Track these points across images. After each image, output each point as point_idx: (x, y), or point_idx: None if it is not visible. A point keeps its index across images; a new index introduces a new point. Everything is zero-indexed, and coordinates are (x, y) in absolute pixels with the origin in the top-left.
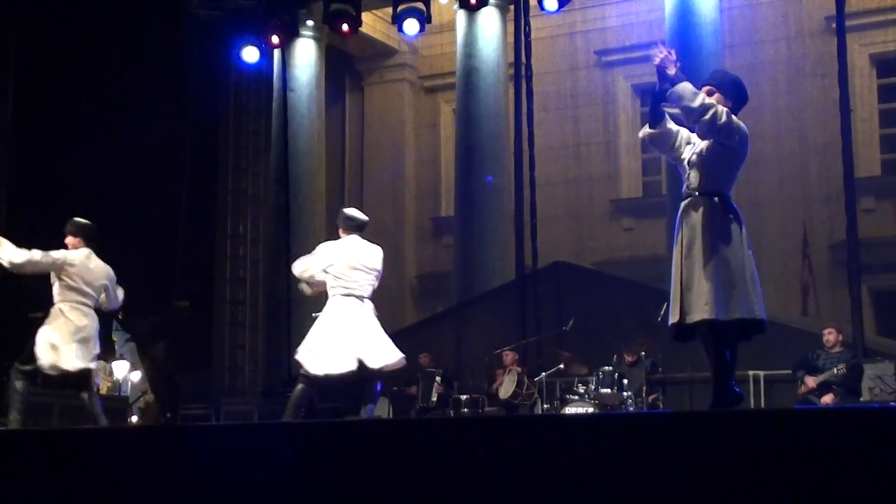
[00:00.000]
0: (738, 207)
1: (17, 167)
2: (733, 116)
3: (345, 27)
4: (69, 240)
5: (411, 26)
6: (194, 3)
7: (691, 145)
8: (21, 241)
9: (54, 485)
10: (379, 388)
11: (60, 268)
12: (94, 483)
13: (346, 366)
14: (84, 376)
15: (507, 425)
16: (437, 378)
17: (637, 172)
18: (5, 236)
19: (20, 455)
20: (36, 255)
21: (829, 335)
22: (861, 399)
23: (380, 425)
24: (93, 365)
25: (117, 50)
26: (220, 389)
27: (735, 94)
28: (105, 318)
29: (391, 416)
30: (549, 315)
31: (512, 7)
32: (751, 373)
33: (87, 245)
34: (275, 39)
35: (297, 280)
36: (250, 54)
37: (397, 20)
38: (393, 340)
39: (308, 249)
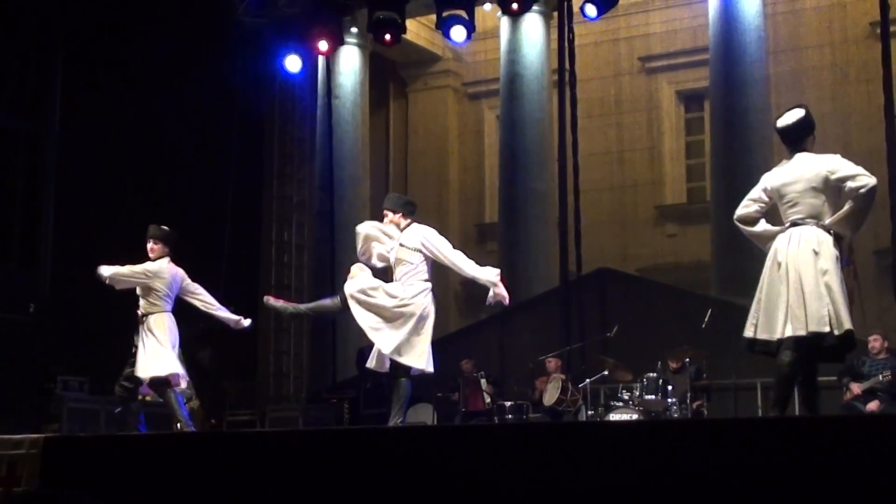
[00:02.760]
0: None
1: (65, 173)
2: None
3: (387, 37)
4: (152, 246)
5: (458, 33)
6: (241, 11)
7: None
8: (69, 247)
9: (100, 490)
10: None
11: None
12: (141, 488)
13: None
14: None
15: (552, 432)
16: (483, 380)
17: (681, 178)
18: (54, 242)
19: (69, 461)
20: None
21: (875, 342)
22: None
23: (425, 432)
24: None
25: (164, 58)
26: (265, 396)
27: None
28: None
29: (435, 422)
30: (594, 321)
31: (555, 14)
32: None
33: (168, 252)
34: (322, 46)
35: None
36: (293, 63)
37: (443, 27)
38: (437, 347)
39: (352, 257)
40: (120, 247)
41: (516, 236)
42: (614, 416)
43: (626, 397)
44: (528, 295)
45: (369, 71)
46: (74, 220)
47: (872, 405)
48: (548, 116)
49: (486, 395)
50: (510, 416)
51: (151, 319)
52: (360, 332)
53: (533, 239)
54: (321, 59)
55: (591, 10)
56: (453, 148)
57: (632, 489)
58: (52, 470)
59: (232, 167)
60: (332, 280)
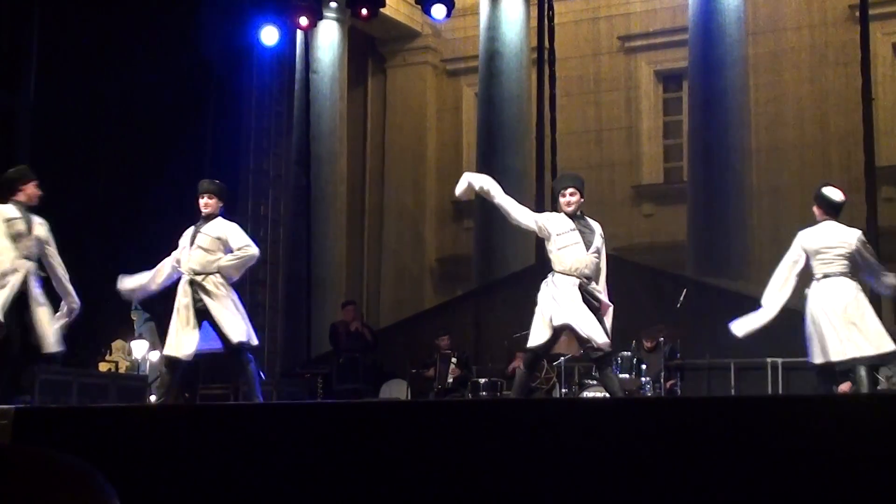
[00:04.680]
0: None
1: (39, 144)
2: None
3: (364, 11)
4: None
5: (439, 11)
6: None
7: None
8: (44, 219)
9: None
10: None
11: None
12: (112, 461)
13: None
14: None
15: (525, 408)
16: (453, 360)
17: (658, 158)
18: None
19: (41, 432)
20: None
21: None
22: (878, 387)
23: (397, 406)
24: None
25: (140, 28)
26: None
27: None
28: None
29: (409, 397)
30: None
31: None
32: (769, 360)
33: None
34: (303, 21)
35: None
36: (269, 36)
37: (423, 3)
38: (413, 323)
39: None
40: (93, 219)
41: (493, 214)
42: (588, 395)
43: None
44: (505, 272)
45: (348, 46)
46: (48, 192)
47: (844, 386)
48: (526, 94)
49: (451, 375)
50: (484, 392)
51: None
52: (335, 309)
53: None
54: (299, 33)
55: None
56: (431, 124)
57: (603, 466)
58: (22, 441)
59: (208, 141)
60: (308, 255)
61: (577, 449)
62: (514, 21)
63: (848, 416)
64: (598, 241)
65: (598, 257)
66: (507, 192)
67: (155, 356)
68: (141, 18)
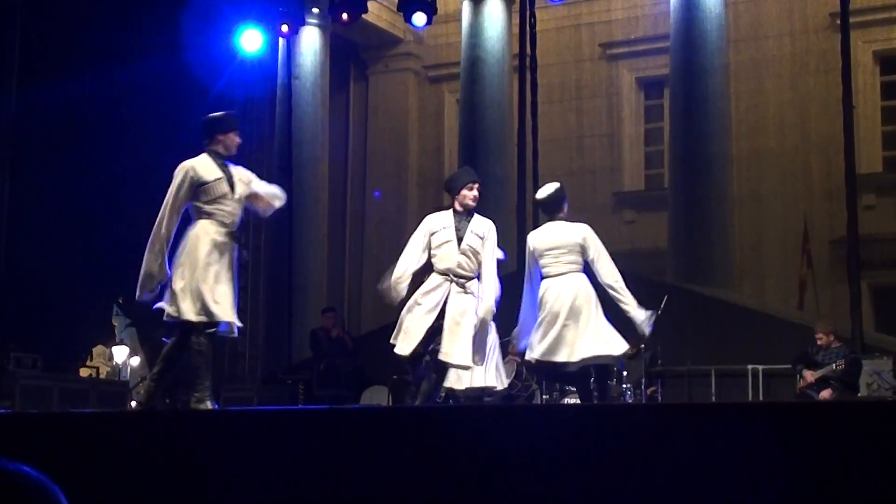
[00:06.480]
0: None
1: (20, 150)
2: None
3: (344, 16)
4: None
5: (420, 18)
6: None
7: None
8: (24, 224)
9: (52, 468)
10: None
11: None
12: (93, 467)
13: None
14: None
15: (505, 415)
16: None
17: (639, 165)
18: (8, 218)
19: (21, 438)
20: None
21: (819, 340)
22: (858, 394)
23: (377, 413)
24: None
25: (121, 35)
26: (220, 375)
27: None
28: (105, 302)
29: (390, 403)
30: None
31: None
32: (749, 367)
33: None
34: (285, 28)
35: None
36: (251, 42)
37: (405, 10)
38: (393, 331)
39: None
40: (75, 224)
41: None
42: (569, 401)
43: None
44: None
45: (330, 52)
46: (30, 198)
47: (825, 393)
48: (508, 101)
49: (442, 389)
50: (463, 398)
51: None
52: (316, 315)
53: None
54: (281, 39)
55: None
56: (413, 131)
57: (585, 471)
58: (2, 447)
59: (190, 146)
60: (290, 261)
61: (557, 455)
62: (496, 28)
63: (829, 422)
64: (469, 237)
65: (476, 255)
66: (488, 199)
67: (135, 361)
68: (123, 25)
